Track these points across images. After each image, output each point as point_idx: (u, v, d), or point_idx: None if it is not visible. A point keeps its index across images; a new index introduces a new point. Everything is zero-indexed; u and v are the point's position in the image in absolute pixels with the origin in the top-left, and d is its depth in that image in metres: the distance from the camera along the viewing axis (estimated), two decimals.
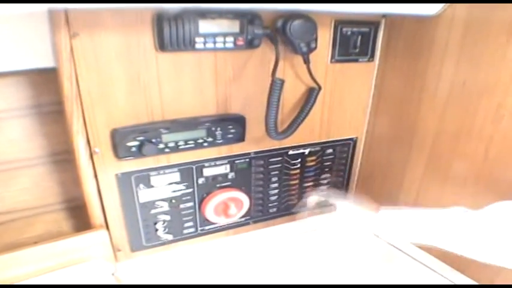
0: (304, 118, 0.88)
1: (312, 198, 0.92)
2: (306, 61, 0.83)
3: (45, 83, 0.81)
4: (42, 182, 0.93)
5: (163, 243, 0.92)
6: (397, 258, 0.94)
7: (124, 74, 0.71)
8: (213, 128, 0.81)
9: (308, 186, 1.04)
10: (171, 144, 0.78)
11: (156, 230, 0.89)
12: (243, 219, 0.99)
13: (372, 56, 0.95)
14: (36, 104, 0.84)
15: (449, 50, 0.79)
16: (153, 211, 0.86)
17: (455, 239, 0.64)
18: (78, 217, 0.93)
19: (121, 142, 0.74)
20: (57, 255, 0.78)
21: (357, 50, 0.92)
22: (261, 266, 0.91)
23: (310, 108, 0.88)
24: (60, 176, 0.94)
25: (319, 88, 0.88)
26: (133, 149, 0.75)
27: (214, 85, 0.80)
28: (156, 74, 0.73)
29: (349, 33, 0.88)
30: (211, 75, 0.78)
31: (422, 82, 0.86)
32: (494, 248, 0.60)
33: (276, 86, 0.75)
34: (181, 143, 0.79)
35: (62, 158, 0.91)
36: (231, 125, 0.83)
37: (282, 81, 0.76)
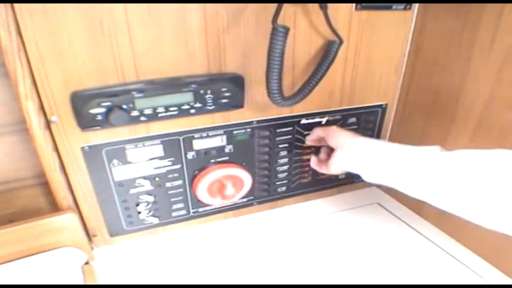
0: (319, 79, 0.70)
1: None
2: (323, 6, 0.64)
3: None
4: (14, 152, 0.79)
5: (148, 227, 0.78)
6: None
7: (81, 20, 0.54)
8: (202, 91, 0.64)
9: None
10: (148, 111, 0.62)
11: (139, 212, 0.74)
12: (245, 199, 0.84)
13: (410, 2, 0.75)
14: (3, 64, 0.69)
15: None
16: (132, 191, 0.72)
17: (420, 181, 0.57)
18: None
19: (83, 108, 0.59)
20: (24, 240, 0.66)
21: None
22: (265, 253, 0.77)
23: (328, 67, 0.70)
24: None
25: (341, 41, 0.69)
26: (99, 117, 0.60)
27: (204, 35, 0.62)
28: (125, 18, 0.56)
29: None
30: (198, 22, 0.61)
31: (473, 35, 0.67)
32: (457, 196, 0.53)
33: (277, 36, 0.57)
34: (161, 109, 0.63)
35: None
36: (226, 87, 0.66)
37: (286, 29, 0.57)
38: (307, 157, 0.84)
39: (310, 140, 0.80)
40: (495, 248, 0.72)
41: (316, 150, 0.82)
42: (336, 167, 0.70)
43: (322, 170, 0.76)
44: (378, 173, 0.63)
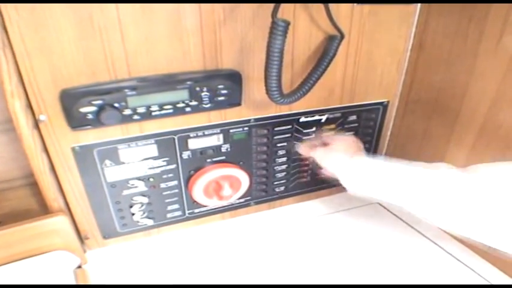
0: (320, 76, 0.67)
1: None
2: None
3: None
4: (3, 152, 0.77)
5: (143, 229, 0.75)
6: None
7: (70, 13, 0.51)
8: (198, 88, 0.62)
9: None
10: (141, 110, 0.60)
11: (133, 214, 0.72)
12: (242, 199, 0.82)
13: (414, 2, 0.73)
14: None
15: None
16: (126, 192, 0.69)
17: (430, 201, 0.54)
18: None
19: (73, 107, 0.56)
20: (13, 244, 0.63)
21: None
22: (263, 254, 0.75)
23: (329, 63, 0.67)
24: None
25: (342, 36, 0.67)
26: (90, 116, 0.57)
27: (199, 30, 0.59)
28: (116, 12, 0.53)
29: None
30: (193, 16, 0.58)
31: (480, 29, 0.65)
32: (475, 220, 0.49)
33: (277, 30, 0.54)
34: (154, 108, 0.60)
35: None
36: (222, 84, 0.63)
37: (287, 24, 0.54)
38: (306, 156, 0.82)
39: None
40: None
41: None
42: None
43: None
44: (383, 194, 0.60)
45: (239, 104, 0.67)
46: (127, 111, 0.59)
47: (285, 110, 0.74)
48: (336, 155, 0.68)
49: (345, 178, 0.65)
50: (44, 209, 0.69)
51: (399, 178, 0.58)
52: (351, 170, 0.64)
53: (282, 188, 0.85)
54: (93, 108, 0.57)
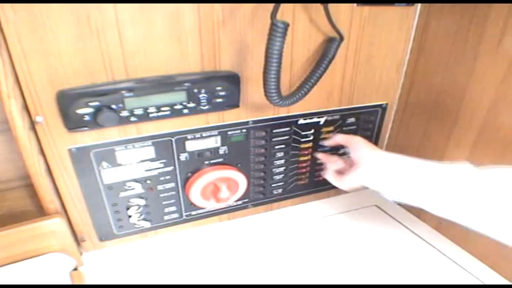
0: (319, 78, 0.67)
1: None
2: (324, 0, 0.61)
3: None
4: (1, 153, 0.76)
5: (139, 231, 0.75)
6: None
7: (67, 14, 0.51)
8: (196, 90, 0.61)
9: (322, 163, 0.84)
10: (139, 112, 0.59)
11: (129, 216, 0.71)
12: (240, 201, 0.81)
13: (413, 2, 0.72)
14: None
15: None
16: (122, 194, 0.68)
17: (450, 199, 0.54)
18: None
19: (69, 108, 0.55)
20: (9, 246, 0.62)
21: None
22: (261, 257, 0.74)
23: (328, 65, 0.67)
24: None
25: (341, 38, 0.66)
26: (87, 117, 0.57)
27: (197, 31, 0.59)
28: (114, 12, 0.53)
29: None
30: (192, 17, 0.57)
31: (480, 31, 0.65)
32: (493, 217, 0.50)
33: (276, 32, 0.54)
34: (152, 109, 0.60)
35: None
36: (221, 86, 0.63)
37: (286, 25, 0.54)
38: (304, 158, 0.81)
39: (328, 143, 0.75)
40: (498, 254, 0.70)
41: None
42: (351, 182, 0.64)
43: (336, 182, 0.69)
44: (402, 190, 0.58)
45: (237, 106, 0.67)
46: (124, 113, 0.58)
47: (283, 112, 0.73)
48: (367, 147, 0.64)
49: (368, 170, 0.62)
50: (40, 211, 0.68)
51: (421, 173, 0.57)
52: (376, 162, 0.61)
53: (280, 190, 0.84)
54: (90, 110, 0.56)
